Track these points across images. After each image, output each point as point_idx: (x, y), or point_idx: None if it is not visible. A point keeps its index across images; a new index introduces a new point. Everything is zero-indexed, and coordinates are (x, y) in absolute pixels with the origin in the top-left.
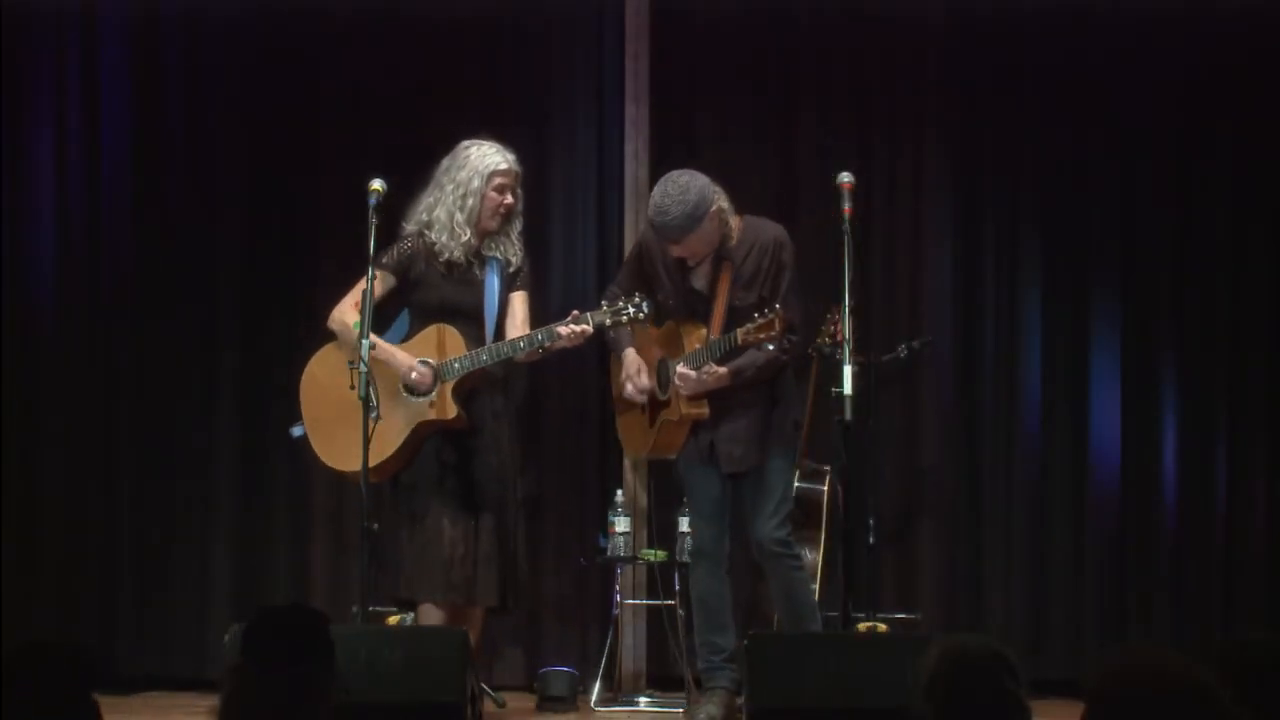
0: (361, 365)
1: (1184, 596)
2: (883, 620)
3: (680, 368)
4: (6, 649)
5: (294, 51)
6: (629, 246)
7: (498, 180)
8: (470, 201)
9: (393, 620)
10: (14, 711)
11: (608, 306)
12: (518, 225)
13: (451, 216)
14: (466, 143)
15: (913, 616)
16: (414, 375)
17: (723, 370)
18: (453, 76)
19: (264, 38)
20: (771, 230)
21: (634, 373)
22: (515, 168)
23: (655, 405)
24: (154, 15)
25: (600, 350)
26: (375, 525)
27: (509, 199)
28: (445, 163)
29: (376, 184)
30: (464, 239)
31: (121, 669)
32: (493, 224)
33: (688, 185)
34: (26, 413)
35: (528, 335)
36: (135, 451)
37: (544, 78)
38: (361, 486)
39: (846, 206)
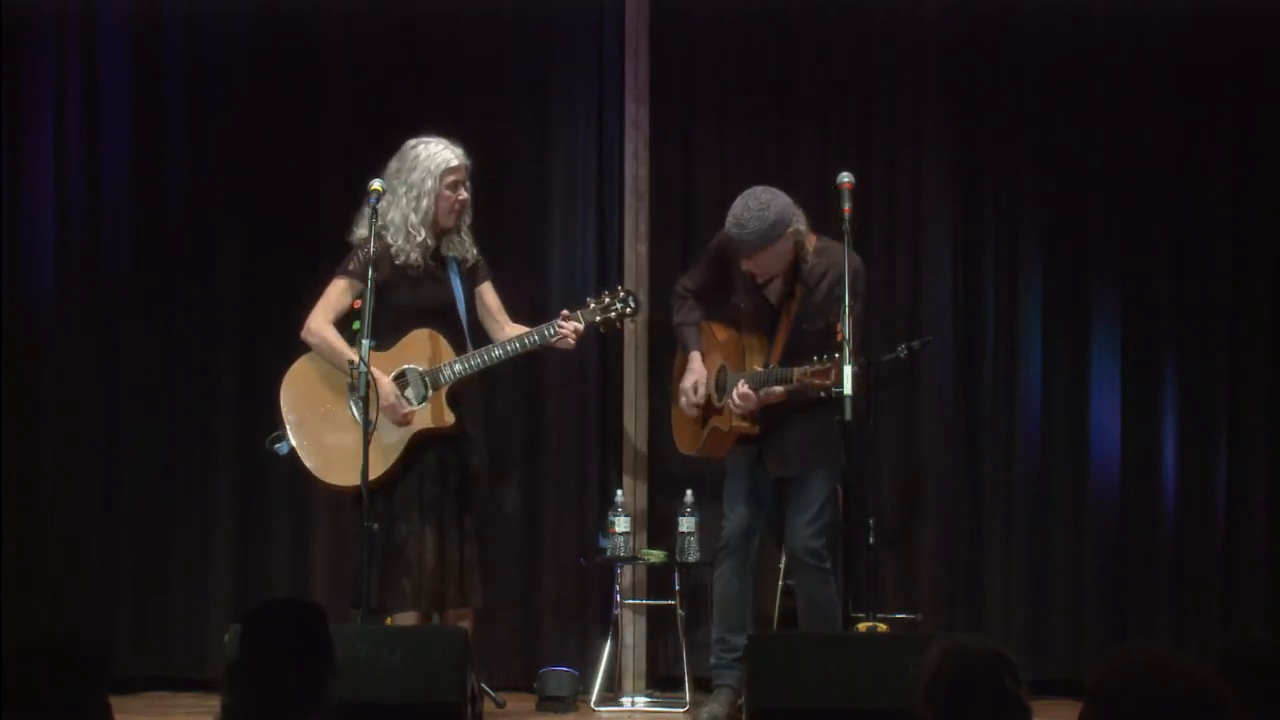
0: (361, 365)
1: (1184, 596)
2: (883, 620)
3: (741, 387)
4: (15, 647)
5: (294, 51)
6: (629, 246)
7: (450, 178)
8: (424, 202)
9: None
10: (25, 712)
11: (595, 304)
12: (468, 219)
13: (406, 219)
14: (413, 141)
15: (913, 616)
16: (399, 414)
17: (780, 390)
18: (453, 76)
19: (264, 38)
20: (850, 260)
21: (689, 387)
22: (465, 162)
23: (709, 409)
24: (154, 15)
25: (601, 349)
26: (375, 525)
27: (463, 194)
28: (394, 165)
29: (376, 184)
30: (420, 240)
31: (121, 669)
32: (449, 221)
33: (769, 203)
34: (26, 413)
35: (519, 338)
36: (135, 451)
37: (544, 78)
38: (361, 487)
39: (846, 206)
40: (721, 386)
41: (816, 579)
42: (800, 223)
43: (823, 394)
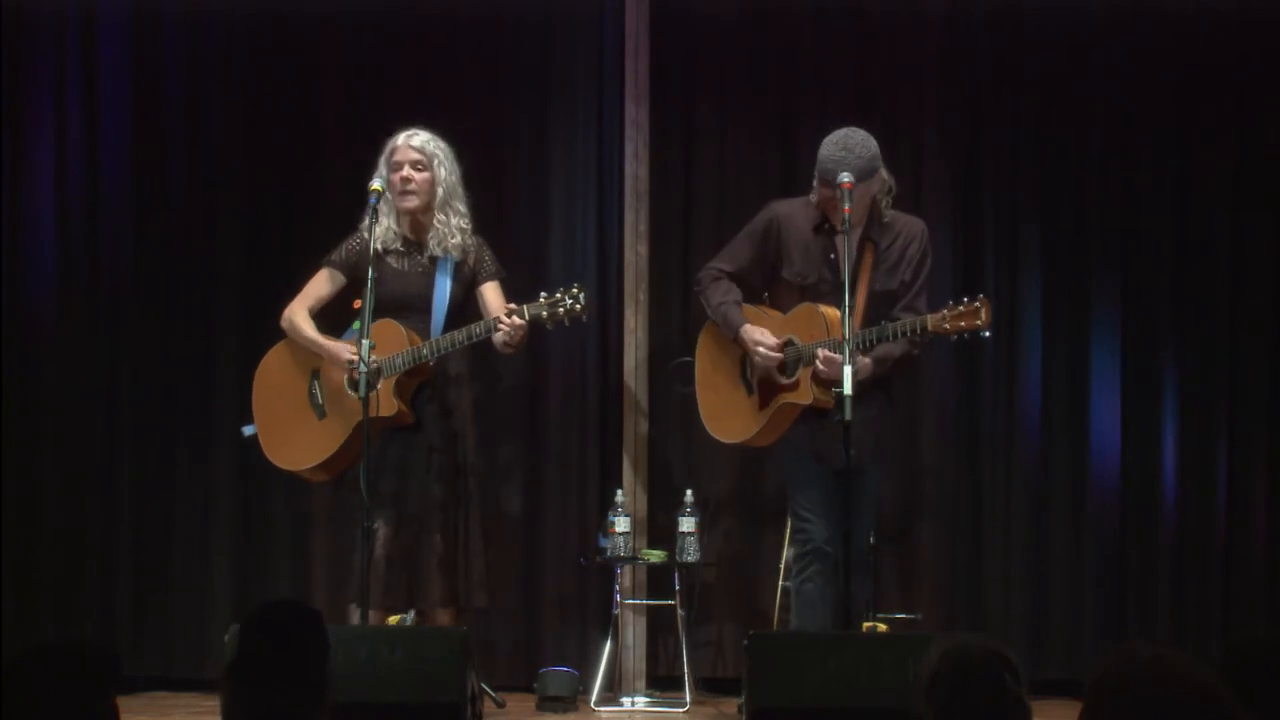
0: (361, 365)
1: (1184, 596)
2: (883, 620)
3: (824, 351)
4: (21, 650)
5: (294, 51)
6: (629, 246)
7: (394, 159)
8: (385, 190)
9: (393, 620)
10: (30, 715)
11: (545, 299)
12: (456, 210)
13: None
14: None
15: (913, 616)
16: (345, 360)
17: (867, 360)
18: (453, 76)
19: (264, 37)
20: (918, 222)
21: (761, 337)
22: (412, 144)
23: (767, 389)
24: (154, 15)
25: (600, 347)
26: (376, 525)
27: (405, 172)
28: None
29: (377, 184)
30: (388, 226)
31: (122, 669)
32: (401, 204)
33: (868, 139)
34: (26, 413)
35: (465, 329)
36: (135, 451)
37: (544, 78)
38: (361, 486)
39: (846, 206)
40: (790, 362)
41: (861, 578)
42: (885, 173)
43: (964, 335)
